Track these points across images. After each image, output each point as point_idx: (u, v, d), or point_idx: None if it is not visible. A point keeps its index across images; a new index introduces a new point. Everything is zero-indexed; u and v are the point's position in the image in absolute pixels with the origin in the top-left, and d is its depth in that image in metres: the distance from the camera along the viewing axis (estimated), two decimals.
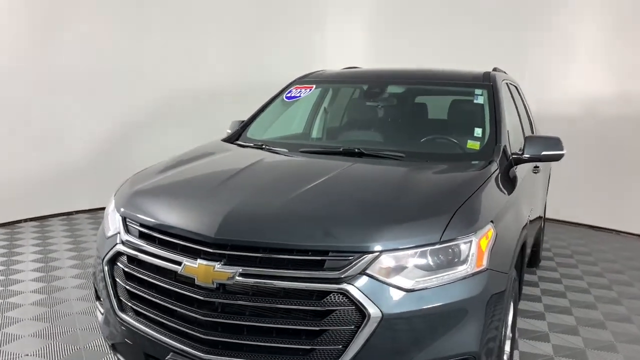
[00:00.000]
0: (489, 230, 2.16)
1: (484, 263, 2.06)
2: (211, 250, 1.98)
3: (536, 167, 3.71)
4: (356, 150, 2.91)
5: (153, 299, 2.13)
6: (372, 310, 1.87)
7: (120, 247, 2.25)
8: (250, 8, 7.42)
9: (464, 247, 2.03)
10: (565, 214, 7.08)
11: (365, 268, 1.90)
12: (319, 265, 1.92)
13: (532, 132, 4.66)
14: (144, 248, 2.16)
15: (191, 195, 2.30)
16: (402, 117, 3.53)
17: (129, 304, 2.24)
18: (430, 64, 4.21)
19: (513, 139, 3.17)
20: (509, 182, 2.75)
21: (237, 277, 1.94)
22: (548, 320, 3.92)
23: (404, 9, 7.80)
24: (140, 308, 2.19)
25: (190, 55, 6.98)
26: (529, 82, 5.95)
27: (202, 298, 1.98)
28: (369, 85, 3.71)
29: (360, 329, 1.87)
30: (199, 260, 1.98)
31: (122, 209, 2.35)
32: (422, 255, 1.98)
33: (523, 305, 4.17)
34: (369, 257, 1.91)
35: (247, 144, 3.24)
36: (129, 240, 2.23)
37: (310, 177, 2.43)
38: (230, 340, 1.97)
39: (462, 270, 2.01)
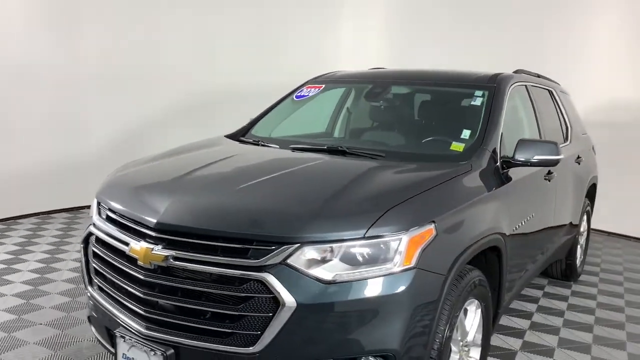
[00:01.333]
0: (428, 230, 2.15)
1: (413, 262, 2.06)
2: (153, 234, 2.15)
3: (549, 173, 3.55)
4: (339, 148, 2.97)
5: (109, 277, 2.34)
6: (287, 299, 1.93)
7: (91, 228, 2.48)
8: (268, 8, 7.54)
9: (391, 245, 2.04)
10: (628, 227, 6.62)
11: (286, 258, 1.97)
12: (243, 254, 2.02)
13: (567, 138, 4.44)
14: (106, 230, 2.38)
15: (152, 184, 2.48)
16: (399, 118, 3.54)
17: (95, 280, 2.46)
18: (451, 65, 4.14)
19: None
20: (486, 185, 2.69)
21: (172, 260, 2.08)
22: (561, 335, 3.72)
23: (425, 7, 7.62)
24: (102, 284, 2.41)
25: (207, 54, 7.14)
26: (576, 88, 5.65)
27: (142, 277, 2.15)
28: (372, 86, 3.75)
29: (274, 316, 1.95)
30: (141, 243, 2.15)
31: (97, 194, 2.58)
32: (345, 249, 2.01)
33: (539, 318, 3.99)
34: (290, 247, 1.98)
35: (247, 140, 3.40)
36: (98, 222, 2.46)
37: (270, 170, 2.54)
38: (165, 318, 2.12)
39: (386, 267, 2.02)
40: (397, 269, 2.03)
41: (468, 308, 2.53)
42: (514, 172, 3.02)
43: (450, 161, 2.78)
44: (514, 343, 3.54)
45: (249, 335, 1.99)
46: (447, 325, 2.23)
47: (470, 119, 3.13)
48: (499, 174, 2.85)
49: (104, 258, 2.37)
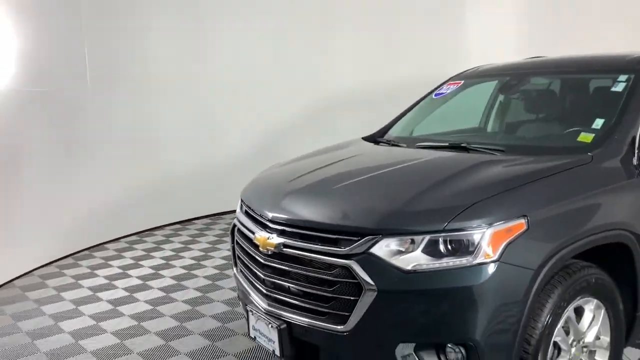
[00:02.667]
0: (517, 224, 2.15)
1: (496, 256, 2.09)
2: (270, 225, 2.54)
3: None
4: (462, 145, 3.03)
5: (244, 260, 2.81)
6: (369, 284, 2.15)
7: (235, 221, 2.99)
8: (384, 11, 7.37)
9: (472, 238, 2.10)
10: None
11: (369, 248, 2.18)
12: (334, 243, 2.28)
13: None
14: (243, 222, 2.85)
15: (276, 184, 2.88)
16: (534, 110, 3.39)
17: (237, 262, 2.97)
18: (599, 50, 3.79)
19: None
20: (612, 177, 2.52)
21: (282, 247, 2.45)
22: None
23: None
24: (241, 267, 2.90)
25: (326, 59, 7.23)
26: None
27: (262, 261, 2.56)
28: (508, 79, 3.65)
29: (359, 300, 2.18)
30: (262, 232, 2.56)
31: (241, 193, 3.09)
32: (427, 241, 2.14)
33: None
34: (372, 238, 2.19)
35: (380, 140, 3.63)
36: (239, 216, 2.95)
37: (375, 169, 2.75)
38: (280, 297, 2.50)
39: (466, 259, 2.09)
40: (478, 261, 2.08)
41: (584, 307, 2.41)
42: None
43: (574, 153, 2.65)
44: None
45: (341, 315, 2.25)
46: (546, 322, 2.19)
47: (609, 107, 2.90)
48: (631, 164, 2.61)
49: (241, 245, 2.85)
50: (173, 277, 4.67)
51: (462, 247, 2.12)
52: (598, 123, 2.82)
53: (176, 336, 3.56)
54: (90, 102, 5.56)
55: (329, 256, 2.28)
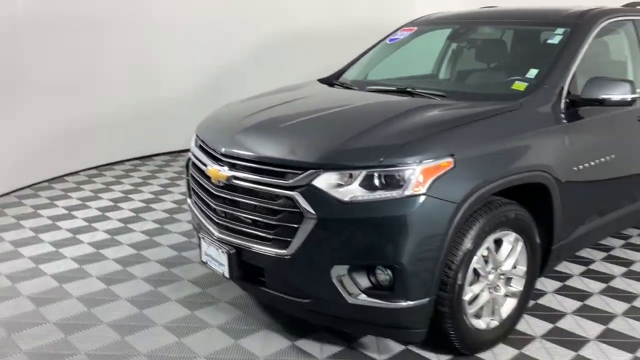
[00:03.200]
0: (445, 162, 2.38)
1: (424, 189, 2.32)
2: (221, 159, 2.71)
3: None
4: (407, 89, 3.22)
5: (198, 192, 2.98)
6: (310, 213, 2.36)
7: (190, 155, 3.14)
8: None
9: (404, 173, 2.32)
10: None
11: (311, 180, 2.38)
12: (281, 176, 2.48)
13: None
14: (197, 155, 3.00)
15: (229, 120, 3.03)
16: (479, 58, 3.59)
17: (191, 193, 3.14)
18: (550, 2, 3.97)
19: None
20: (537, 123, 2.76)
21: (232, 179, 2.62)
22: (611, 284, 3.57)
23: None
24: (194, 197, 3.08)
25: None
26: None
27: (214, 192, 2.74)
28: (457, 28, 3.82)
29: (300, 226, 2.40)
30: (214, 165, 2.73)
31: (196, 129, 3.22)
32: (362, 175, 2.34)
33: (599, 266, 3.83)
34: (315, 172, 2.38)
35: (336, 83, 3.77)
36: (193, 150, 3.10)
37: (324, 109, 2.94)
38: (229, 224, 2.70)
39: (397, 192, 2.31)
40: (407, 194, 2.31)
41: (503, 239, 2.69)
42: (587, 112, 2.98)
43: (507, 100, 2.87)
44: (592, 285, 3.51)
45: (284, 241, 2.47)
46: (466, 250, 2.46)
47: (544, 58, 3.11)
48: (559, 112, 2.86)
49: (195, 178, 3.02)
50: (131, 210, 4.82)
51: (394, 182, 2.33)
52: (532, 73, 3.04)
53: (134, 262, 3.75)
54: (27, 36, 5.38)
55: (275, 188, 2.48)
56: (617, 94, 2.82)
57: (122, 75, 6.26)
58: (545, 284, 3.53)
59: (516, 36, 3.60)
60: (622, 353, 2.79)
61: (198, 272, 3.60)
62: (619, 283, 3.56)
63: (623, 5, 3.69)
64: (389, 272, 2.38)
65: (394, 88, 3.30)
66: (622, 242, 4.27)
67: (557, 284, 3.53)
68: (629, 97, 2.83)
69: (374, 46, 4.18)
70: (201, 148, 3.00)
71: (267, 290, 2.65)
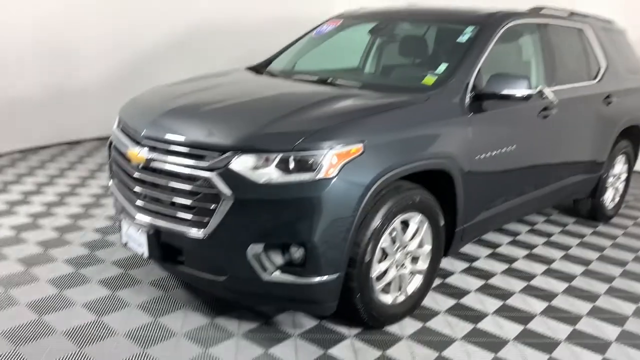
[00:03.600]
0: (355, 148, 2.55)
1: (334, 173, 2.48)
2: (142, 141, 2.77)
3: (545, 109, 3.66)
4: (328, 80, 3.39)
5: (118, 173, 3.03)
6: (227, 194, 2.47)
7: (112, 137, 3.17)
8: None
9: (316, 157, 2.47)
10: None
11: (228, 163, 2.49)
12: (200, 158, 2.57)
13: (596, 77, 4.41)
14: (118, 137, 3.04)
15: (151, 104, 3.08)
16: (398, 52, 3.81)
17: (113, 175, 3.18)
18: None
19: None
20: (441, 114, 2.98)
21: (152, 162, 2.70)
22: (553, 266, 3.92)
23: None
24: (115, 179, 3.12)
25: None
26: None
27: (133, 174, 2.80)
28: (379, 23, 4.03)
29: (218, 207, 2.51)
30: (134, 148, 2.78)
31: (119, 111, 3.25)
32: (279, 159, 2.48)
33: (541, 249, 4.18)
34: (232, 155, 2.49)
35: (263, 71, 3.88)
36: (115, 132, 3.13)
37: (246, 95, 3.06)
38: (149, 206, 2.77)
39: (309, 175, 2.46)
40: (319, 177, 2.47)
41: (410, 220, 2.90)
42: (490, 105, 3.23)
43: (417, 92, 3.08)
44: (496, 266, 3.82)
45: (202, 222, 2.57)
46: (374, 230, 2.65)
47: (453, 55, 3.35)
48: (463, 105, 3.10)
49: (116, 160, 3.06)
50: (57, 194, 4.75)
51: (308, 165, 2.48)
52: (441, 68, 3.28)
53: (56, 244, 3.73)
54: None
55: (193, 170, 2.57)
56: (516, 90, 3.09)
57: (42, 59, 6.06)
58: (454, 265, 3.81)
59: (432, 33, 3.83)
60: (515, 325, 3.09)
61: (122, 254, 3.63)
62: (521, 264, 3.90)
63: (528, 10, 4.00)
64: (302, 250, 2.53)
65: (316, 78, 3.46)
66: (528, 227, 4.65)
67: (465, 265, 3.81)
68: (526, 92, 3.10)
69: (302, 37, 4.32)
70: (123, 130, 3.04)
71: (186, 269, 2.75)
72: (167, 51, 7.07)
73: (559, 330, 3.08)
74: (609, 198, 4.94)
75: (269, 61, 4.12)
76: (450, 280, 3.58)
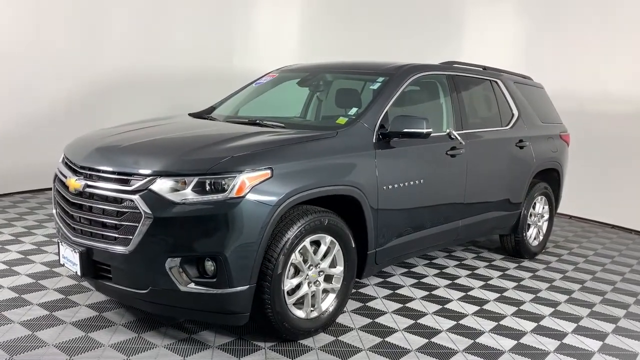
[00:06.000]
0: (264, 173, 2.93)
1: (243, 194, 2.85)
2: (78, 170, 3.13)
3: (452, 148, 4.11)
4: (256, 121, 3.82)
5: (58, 201, 3.36)
6: (147, 213, 2.82)
7: (56, 170, 3.52)
8: None
9: (228, 180, 2.84)
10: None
11: (149, 185, 2.85)
12: (125, 183, 2.93)
13: (509, 124, 4.92)
14: (60, 170, 3.40)
15: (90, 140, 3.45)
16: (323, 99, 4.31)
17: (55, 204, 3.50)
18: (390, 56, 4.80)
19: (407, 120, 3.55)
20: (348, 149, 3.40)
21: (86, 188, 3.05)
22: (471, 293, 4.25)
23: None
24: (56, 207, 3.44)
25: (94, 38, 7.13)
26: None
27: (70, 200, 3.14)
28: (307, 75, 4.56)
29: (140, 225, 2.84)
30: (72, 176, 3.14)
31: (64, 148, 3.62)
32: (195, 181, 2.84)
33: (464, 280, 4.52)
34: (152, 178, 2.86)
35: (206, 116, 4.30)
36: (59, 165, 3.49)
37: (177, 132, 3.50)
38: (83, 228, 3.09)
39: (222, 195, 2.83)
40: (230, 196, 2.83)
41: (321, 241, 3.25)
42: (399, 143, 3.67)
43: (329, 130, 3.52)
44: (417, 293, 4.14)
45: (126, 239, 2.89)
46: (283, 248, 2.98)
47: (364, 100, 3.83)
48: (370, 142, 3.53)
49: (58, 189, 3.40)
50: (11, 234, 5.01)
51: (220, 187, 2.85)
52: (353, 111, 3.75)
53: (3, 276, 3.97)
54: None
55: (120, 193, 2.93)
56: (415, 128, 3.53)
57: None
58: (377, 291, 4.13)
59: (351, 83, 4.34)
60: (419, 339, 3.39)
61: (66, 283, 3.88)
62: (440, 292, 4.23)
63: (442, 63, 4.55)
64: (214, 262, 2.85)
65: (247, 120, 3.89)
66: (456, 262, 5.01)
67: (388, 292, 4.13)
68: (424, 130, 3.54)
69: (243, 88, 4.80)
70: (65, 163, 3.40)
71: (113, 285, 3.04)
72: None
73: (460, 342, 3.38)
74: (532, 235, 5.35)
75: (212, 108, 4.57)
76: (370, 303, 3.88)
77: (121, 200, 2.92)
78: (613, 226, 7.01)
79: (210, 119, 4.16)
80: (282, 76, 4.66)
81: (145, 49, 7.64)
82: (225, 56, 8.45)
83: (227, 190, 2.84)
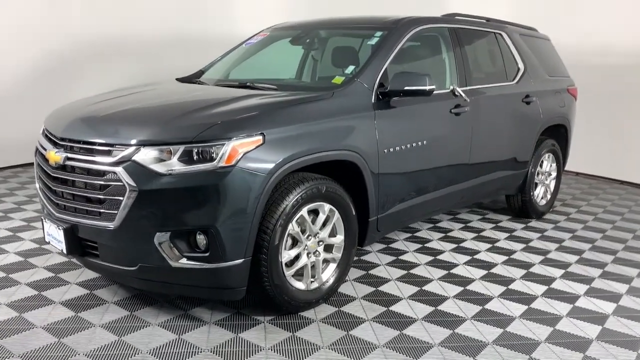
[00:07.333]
0: (255, 140, 2.72)
1: (233, 162, 2.65)
2: (58, 142, 2.93)
3: (456, 106, 3.89)
4: (247, 84, 3.58)
5: (40, 175, 3.16)
6: (132, 185, 2.62)
7: (37, 143, 3.31)
8: None
9: (216, 148, 2.64)
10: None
11: (132, 156, 2.65)
12: (108, 154, 2.73)
13: (515, 78, 4.67)
14: (41, 142, 3.19)
15: (73, 109, 3.24)
16: (317, 58, 4.05)
17: (37, 178, 3.31)
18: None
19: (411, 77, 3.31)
20: (346, 110, 3.18)
21: (66, 160, 2.85)
22: (477, 256, 4.10)
23: None
24: (38, 182, 3.25)
25: None
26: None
27: (51, 173, 2.94)
28: (300, 33, 4.27)
29: (124, 199, 2.66)
30: (52, 149, 2.93)
31: (44, 120, 3.41)
32: (181, 150, 2.64)
33: (470, 243, 4.37)
34: (136, 149, 2.66)
35: (195, 81, 4.07)
36: (40, 138, 3.28)
37: (161, 98, 3.24)
38: (65, 203, 2.91)
39: (211, 164, 2.63)
40: (220, 166, 2.63)
41: (319, 209, 3.06)
42: (400, 102, 3.44)
43: (324, 91, 3.29)
44: (421, 258, 3.99)
45: (111, 214, 2.71)
46: (279, 218, 2.80)
47: (362, 57, 3.58)
48: (369, 102, 3.30)
49: (39, 163, 3.20)
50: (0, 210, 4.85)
51: (209, 156, 2.65)
52: (349, 69, 3.50)
53: None
54: None
55: (102, 165, 2.73)
56: (417, 86, 3.30)
57: None
58: (381, 258, 3.97)
59: (347, 40, 4.08)
60: (426, 307, 3.24)
61: (56, 260, 3.73)
62: (446, 256, 4.07)
63: (443, 15, 4.27)
64: (205, 236, 2.68)
65: (237, 83, 3.66)
66: (461, 225, 4.85)
67: (391, 258, 3.98)
68: (427, 87, 3.31)
69: (234, 49, 4.53)
70: (45, 135, 3.19)
71: (100, 262, 2.88)
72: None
73: (468, 309, 3.24)
74: (540, 195, 5.17)
75: (201, 72, 4.32)
76: (373, 271, 3.73)
77: (104, 173, 2.72)
78: (622, 182, 6.83)
79: (198, 84, 3.92)
80: (274, 35, 4.39)
81: (121, 16, 7.23)
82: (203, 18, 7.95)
83: (215, 159, 2.64)
